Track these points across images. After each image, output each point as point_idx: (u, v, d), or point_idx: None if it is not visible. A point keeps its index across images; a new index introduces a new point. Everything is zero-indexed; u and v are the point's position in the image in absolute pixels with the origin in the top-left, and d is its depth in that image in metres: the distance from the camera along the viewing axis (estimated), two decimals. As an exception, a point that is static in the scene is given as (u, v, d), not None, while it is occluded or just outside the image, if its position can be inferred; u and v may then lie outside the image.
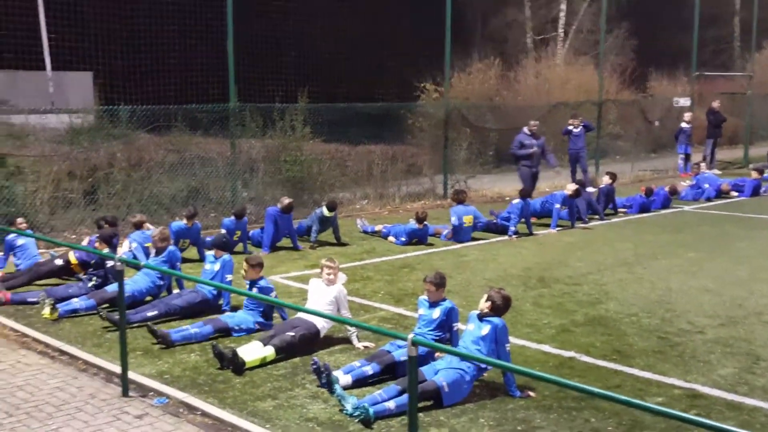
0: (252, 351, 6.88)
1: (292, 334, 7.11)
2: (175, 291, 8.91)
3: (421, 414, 5.61)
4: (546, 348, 7.35)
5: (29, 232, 10.15)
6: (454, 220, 12.56)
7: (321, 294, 7.42)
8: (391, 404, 5.79)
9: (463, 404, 6.03)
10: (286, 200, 11.89)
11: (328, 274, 7.45)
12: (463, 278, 10.11)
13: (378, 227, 13.13)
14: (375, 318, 8.29)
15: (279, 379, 6.57)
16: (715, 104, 21.98)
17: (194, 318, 8.12)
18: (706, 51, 27.44)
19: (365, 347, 7.27)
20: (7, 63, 18.34)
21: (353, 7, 21.13)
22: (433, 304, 6.70)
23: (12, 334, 7.84)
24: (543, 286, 9.76)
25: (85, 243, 10.45)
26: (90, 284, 8.96)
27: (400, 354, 6.45)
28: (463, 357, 6.05)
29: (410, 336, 4.54)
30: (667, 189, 16.33)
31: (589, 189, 15.11)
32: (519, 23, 30.41)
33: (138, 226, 10.33)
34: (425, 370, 6.11)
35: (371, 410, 5.68)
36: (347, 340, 7.44)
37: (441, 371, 6.11)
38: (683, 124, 21.00)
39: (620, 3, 27.68)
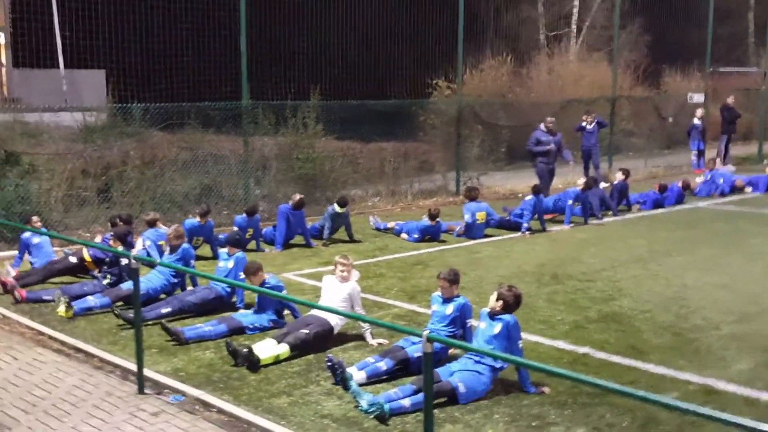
0: (266, 348, 6.89)
1: (307, 331, 7.12)
2: (189, 288, 8.93)
3: (435, 410, 5.58)
4: (560, 344, 7.33)
5: (44, 230, 10.22)
6: (467, 217, 12.55)
7: (334, 291, 7.42)
8: (406, 402, 5.79)
9: (477, 400, 6.03)
10: (297, 196, 11.92)
11: (342, 271, 7.45)
12: (476, 275, 10.10)
13: (390, 224, 13.14)
14: (388, 315, 8.29)
15: (294, 376, 6.59)
16: (730, 100, 21.84)
17: (208, 315, 8.15)
18: (720, 47, 27.23)
19: (379, 344, 7.27)
20: (21, 61, 18.47)
21: (366, 4, 21.13)
22: (446, 300, 6.70)
23: (28, 332, 7.89)
24: (556, 282, 9.74)
25: (98, 241, 10.48)
26: (105, 282, 9.00)
27: (414, 350, 6.46)
28: (477, 352, 6.06)
29: (425, 332, 4.54)
30: (680, 184, 16.27)
31: (603, 185, 15.06)
32: (532, 20, 30.30)
33: (151, 224, 10.40)
34: (440, 371, 6.10)
35: (387, 407, 5.68)
36: (361, 337, 7.44)
37: (456, 373, 6.10)
38: (695, 120, 20.91)
39: (634, -1, 27.56)
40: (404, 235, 12.56)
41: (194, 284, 9.03)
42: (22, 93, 18.13)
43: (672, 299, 8.88)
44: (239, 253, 8.76)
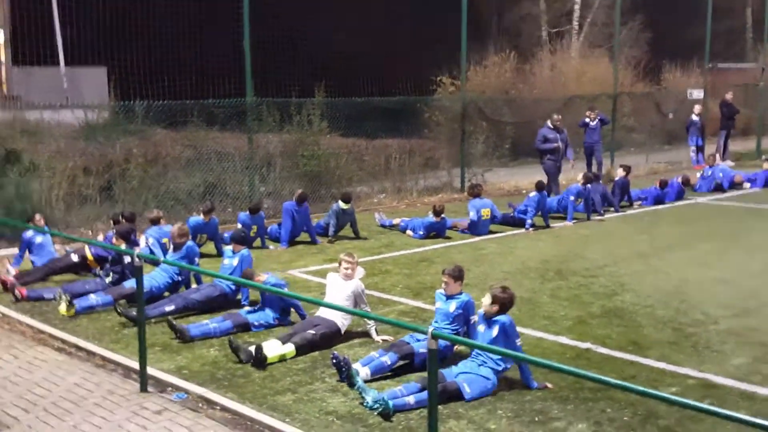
0: (272, 348, 6.86)
1: (313, 332, 7.11)
2: (194, 286, 8.87)
3: (439, 406, 5.67)
4: (563, 339, 7.41)
5: (47, 228, 10.13)
6: (472, 214, 12.69)
7: (338, 289, 7.41)
8: (410, 399, 5.81)
9: (482, 397, 6.07)
10: (299, 191, 12.02)
11: (346, 268, 7.44)
12: (481, 271, 10.17)
13: (396, 221, 13.19)
14: (394, 311, 8.30)
15: (298, 374, 6.59)
16: (729, 96, 21.95)
17: (212, 313, 8.12)
18: (719, 42, 27.30)
19: (384, 341, 7.26)
20: (21, 59, 18.48)
21: (370, 1, 21.24)
22: (450, 297, 6.72)
23: (29, 331, 7.84)
24: (560, 278, 9.82)
25: (101, 239, 10.43)
26: (107, 280, 8.94)
27: (419, 347, 6.48)
28: (482, 349, 6.17)
29: (430, 329, 4.61)
30: (679, 180, 16.42)
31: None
32: (534, 16, 30.39)
33: (154, 221, 10.38)
34: (444, 373, 6.09)
35: (391, 403, 5.70)
36: (366, 334, 7.45)
37: (461, 375, 6.12)
38: (693, 116, 21.05)
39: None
40: (409, 232, 12.64)
41: (198, 282, 8.99)
42: (22, 91, 18.13)
43: (672, 294, 8.96)
44: (244, 251, 8.74)
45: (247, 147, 14.08)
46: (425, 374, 6.06)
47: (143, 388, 6.31)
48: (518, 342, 6.29)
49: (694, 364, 6.75)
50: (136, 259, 6.32)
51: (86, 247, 9.78)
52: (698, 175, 17.95)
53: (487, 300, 6.29)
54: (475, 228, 12.62)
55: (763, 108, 25.27)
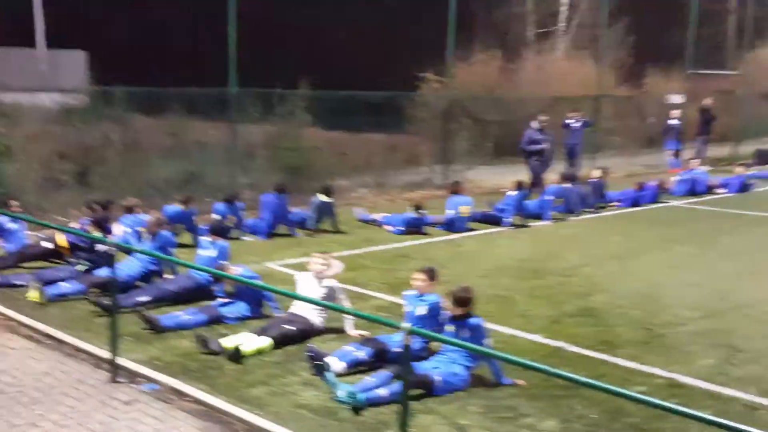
0: (249, 343, 6.81)
1: (293, 328, 7.09)
2: (168, 276, 8.80)
3: (411, 402, 5.72)
4: (536, 338, 7.47)
5: (21, 215, 9.86)
6: (450, 211, 12.78)
7: (311, 288, 7.38)
8: (384, 391, 5.81)
9: (453, 392, 6.10)
10: (277, 183, 12.05)
11: (317, 267, 7.45)
12: (459, 268, 10.15)
13: (375, 216, 13.26)
14: (370, 307, 8.29)
15: (272, 366, 6.55)
16: (708, 102, 22.23)
17: (187, 304, 8.02)
18: (702, 49, 27.65)
19: (360, 335, 7.23)
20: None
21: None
22: (420, 298, 6.69)
23: None
24: (537, 277, 9.90)
25: (75, 226, 10.25)
26: (80, 268, 8.82)
27: (395, 343, 6.46)
28: (458, 346, 6.18)
29: (406, 325, 4.66)
30: (656, 183, 16.61)
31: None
32: (521, 16, 30.49)
33: (130, 210, 10.23)
34: (416, 367, 6.07)
35: (363, 396, 5.71)
36: (342, 330, 7.42)
37: (433, 370, 6.12)
38: (671, 121, 21.30)
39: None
40: (389, 228, 12.74)
41: (173, 272, 8.89)
42: (-1, 73, 17.76)
43: (645, 295, 9.07)
44: (222, 242, 8.68)
45: (228, 137, 13.99)
46: (397, 366, 6.13)
47: (114, 379, 6.25)
48: (485, 342, 6.28)
49: (663, 364, 6.86)
50: (110, 248, 6.25)
51: (59, 234, 9.60)
52: (674, 178, 18.16)
53: (449, 302, 6.29)
54: (453, 225, 12.69)
55: (742, 115, 25.62)
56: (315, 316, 7.34)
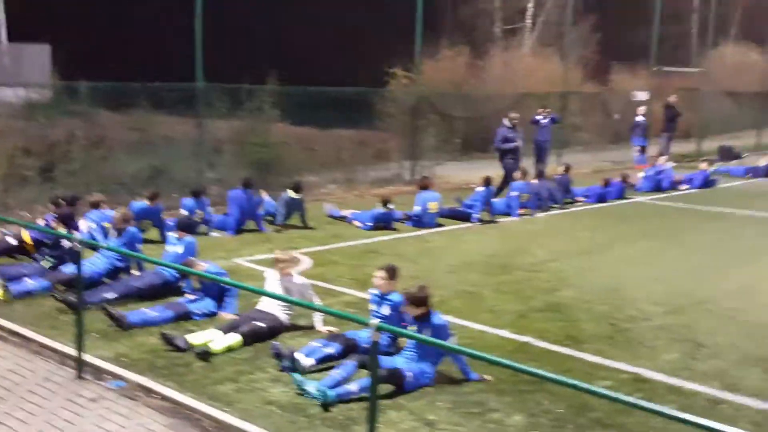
0: (218, 341, 6.78)
1: (263, 325, 7.08)
2: (135, 273, 8.74)
3: (380, 399, 5.66)
4: (504, 333, 7.54)
5: None
6: (417, 209, 12.83)
7: (276, 287, 7.38)
8: (353, 386, 5.81)
9: (421, 388, 6.12)
10: (244, 177, 12.00)
11: (281, 266, 7.42)
12: (427, 264, 10.26)
13: (345, 212, 13.26)
14: (339, 303, 8.30)
15: (240, 363, 6.55)
16: (672, 99, 22.59)
17: (154, 300, 7.99)
18: (665, 46, 28.09)
19: (329, 331, 7.23)
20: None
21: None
22: (383, 298, 6.71)
23: None
24: (504, 272, 9.98)
25: (41, 222, 10.10)
26: (45, 265, 8.72)
27: (363, 339, 6.48)
28: (426, 343, 6.20)
29: (374, 321, 4.67)
30: (620, 179, 16.83)
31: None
32: (488, 12, 30.64)
33: (95, 205, 10.13)
34: (386, 363, 6.09)
35: (332, 393, 5.73)
36: (309, 326, 7.42)
37: (403, 366, 6.14)
38: (638, 117, 21.62)
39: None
40: (357, 223, 12.74)
41: (140, 269, 8.84)
42: (-41, 66, 17.42)
43: (611, 290, 9.20)
44: (189, 238, 8.63)
45: (195, 132, 13.87)
46: (363, 355, 6.14)
47: (80, 376, 6.20)
48: (450, 340, 6.28)
49: (627, 359, 6.96)
50: (76, 244, 6.19)
51: (24, 230, 9.47)
52: (640, 174, 18.43)
53: (406, 305, 6.27)
54: (421, 221, 12.74)
55: (704, 111, 26.10)
56: (280, 312, 7.34)
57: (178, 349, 6.73)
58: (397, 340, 6.81)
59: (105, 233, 9.64)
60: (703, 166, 19.16)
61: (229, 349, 6.80)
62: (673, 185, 18.24)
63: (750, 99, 30.09)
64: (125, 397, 5.91)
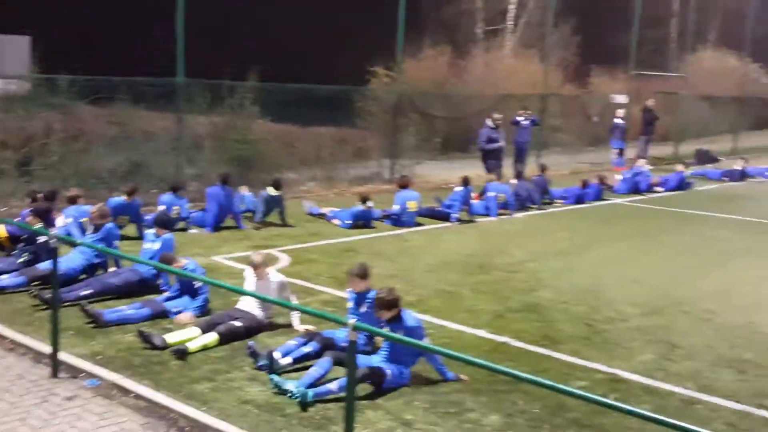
0: (194, 340, 6.75)
1: (240, 324, 7.06)
2: (112, 269, 8.67)
3: (358, 400, 5.67)
4: (481, 333, 7.57)
5: None
6: (396, 207, 12.84)
7: (255, 287, 7.35)
8: (333, 386, 5.81)
9: (398, 388, 6.14)
10: (222, 173, 11.96)
11: (257, 272, 7.38)
12: (405, 263, 10.28)
13: (324, 210, 13.23)
14: (317, 301, 8.30)
15: (217, 362, 6.52)
16: (650, 103, 22.82)
17: (131, 297, 7.94)
18: (645, 50, 28.36)
19: (306, 330, 7.19)
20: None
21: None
22: (359, 297, 6.72)
23: None
24: (482, 272, 10.03)
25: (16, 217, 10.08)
26: (20, 260, 8.62)
27: (341, 338, 6.48)
28: (404, 343, 6.20)
29: (352, 321, 4.68)
30: (597, 180, 16.95)
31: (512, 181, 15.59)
32: (470, 12, 30.74)
33: (73, 200, 10.04)
34: (363, 362, 6.10)
35: (310, 393, 5.73)
36: (289, 324, 7.40)
37: (381, 365, 6.15)
38: (617, 120, 21.82)
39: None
40: (336, 221, 12.73)
41: (117, 265, 8.75)
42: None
43: (588, 291, 9.27)
44: (167, 235, 8.57)
45: (175, 127, 13.78)
46: (338, 352, 6.14)
47: (55, 374, 6.15)
48: (425, 341, 6.29)
49: (603, 360, 7.02)
50: (52, 240, 6.12)
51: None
52: (618, 177, 18.59)
53: (377, 309, 6.24)
54: (400, 219, 12.75)
55: (682, 115, 26.39)
56: (258, 311, 7.33)
57: (155, 347, 6.69)
58: (374, 339, 6.81)
59: (82, 229, 9.54)
60: (679, 168, 19.39)
61: (205, 348, 6.78)
62: (650, 188, 18.43)
63: (727, 104, 30.50)
64: (101, 395, 5.87)
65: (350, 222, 12.46)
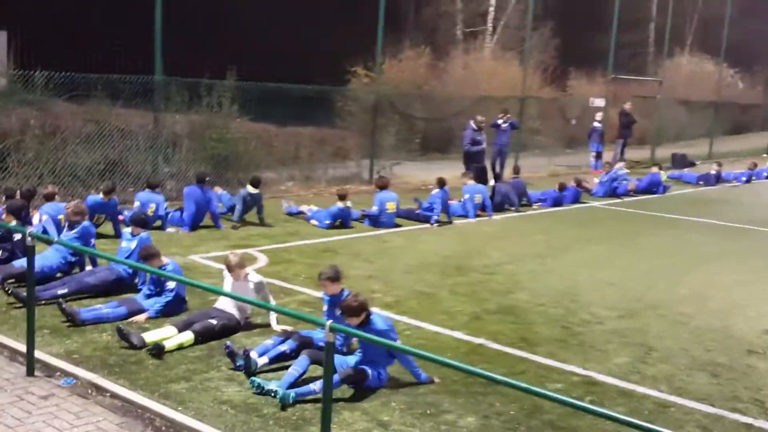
0: (170, 339, 6.75)
1: (215, 322, 7.04)
2: (88, 268, 8.61)
3: (337, 401, 5.71)
4: (458, 335, 7.59)
5: None
6: (375, 209, 12.84)
7: (233, 288, 7.33)
8: (316, 386, 5.79)
9: (376, 389, 6.15)
10: (199, 172, 11.92)
11: (234, 274, 7.36)
12: (384, 264, 10.31)
13: (303, 207, 13.23)
14: (295, 301, 8.31)
15: (194, 361, 6.51)
16: (627, 106, 23.05)
17: (107, 296, 7.91)
18: (623, 54, 28.66)
19: (284, 330, 7.20)
20: None
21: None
22: (333, 299, 6.69)
23: None
24: (460, 274, 10.07)
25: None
26: None
27: (318, 338, 6.46)
28: (379, 344, 6.18)
29: (328, 322, 4.67)
30: (573, 183, 17.07)
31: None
32: (450, 14, 30.86)
33: (49, 198, 9.97)
34: (340, 362, 6.11)
35: (291, 394, 5.75)
36: (266, 324, 7.41)
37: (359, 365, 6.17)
38: (595, 123, 22.02)
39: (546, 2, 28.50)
40: (314, 222, 12.71)
41: (94, 264, 8.71)
42: None
43: (564, 294, 9.34)
44: (143, 234, 8.52)
45: (152, 125, 13.71)
46: (315, 351, 6.13)
47: (30, 372, 6.11)
48: (398, 343, 6.29)
49: (579, 362, 7.07)
50: (28, 238, 6.07)
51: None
52: (596, 180, 18.74)
53: (345, 317, 6.17)
54: (377, 220, 12.75)
55: (659, 119, 26.69)
56: (236, 311, 7.32)
57: (133, 346, 6.67)
58: (351, 340, 6.80)
59: (59, 226, 9.47)
60: (654, 169, 19.59)
61: (181, 347, 6.76)
62: (628, 192, 18.57)
63: (703, 108, 30.89)
64: (76, 394, 5.84)
65: (329, 221, 12.44)
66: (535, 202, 16.20)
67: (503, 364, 6.87)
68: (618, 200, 17.77)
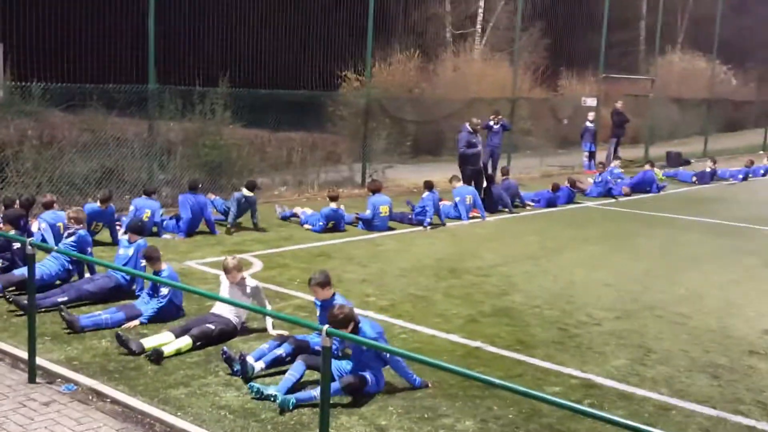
0: (169, 344, 6.82)
1: (212, 327, 7.12)
2: (87, 276, 8.71)
3: (334, 405, 5.73)
4: (454, 338, 7.59)
5: None
6: (368, 212, 12.84)
7: (229, 291, 7.40)
8: (316, 392, 5.80)
9: (374, 394, 6.18)
10: (192, 179, 12.00)
11: (230, 277, 7.40)
12: (377, 267, 10.34)
13: (296, 209, 13.29)
14: (290, 306, 8.38)
15: (192, 367, 6.59)
16: (619, 105, 23.11)
17: (106, 303, 8.02)
18: (614, 53, 28.73)
19: (279, 335, 7.23)
20: None
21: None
22: (325, 304, 6.72)
23: None
24: (454, 276, 10.07)
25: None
26: None
27: (315, 343, 6.53)
28: (374, 348, 6.16)
29: (325, 327, 4.69)
30: (566, 184, 17.08)
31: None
32: (439, 17, 30.88)
33: (47, 206, 10.04)
34: (337, 367, 6.18)
35: (292, 399, 5.81)
36: (262, 329, 7.48)
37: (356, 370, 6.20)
38: (588, 123, 22.06)
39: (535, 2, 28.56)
40: (308, 226, 12.70)
41: (92, 272, 8.83)
42: None
43: (559, 295, 9.33)
44: (140, 241, 8.62)
45: (147, 134, 13.86)
46: (309, 354, 6.18)
47: (31, 379, 6.20)
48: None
49: (577, 365, 7.03)
50: (28, 247, 6.16)
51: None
52: (590, 180, 18.76)
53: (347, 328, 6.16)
54: (370, 224, 12.75)
55: (652, 118, 26.75)
56: (233, 316, 7.40)
57: (132, 352, 6.75)
58: (345, 344, 6.79)
59: (57, 235, 9.55)
60: (647, 167, 19.63)
61: (179, 352, 6.85)
62: (623, 192, 18.58)
63: (696, 106, 30.96)
64: (77, 400, 5.93)
65: (322, 224, 12.45)
66: (529, 203, 16.19)
67: (500, 367, 6.86)
68: (612, 200, 17.79)
